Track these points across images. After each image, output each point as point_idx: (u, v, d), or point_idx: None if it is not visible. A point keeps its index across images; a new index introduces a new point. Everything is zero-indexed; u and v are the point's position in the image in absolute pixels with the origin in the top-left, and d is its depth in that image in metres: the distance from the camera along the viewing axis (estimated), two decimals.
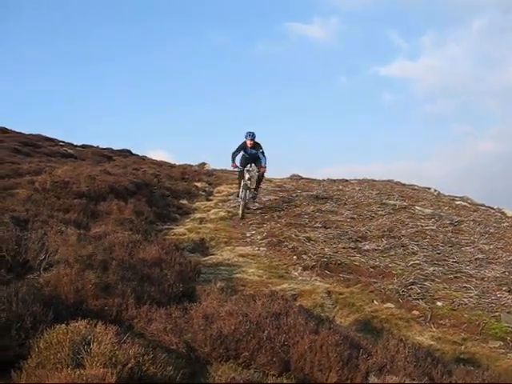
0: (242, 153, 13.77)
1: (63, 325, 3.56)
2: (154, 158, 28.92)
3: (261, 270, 8.66)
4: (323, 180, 21.94)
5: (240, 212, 13.15)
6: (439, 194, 20.61)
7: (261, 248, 10.22)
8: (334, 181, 21.80)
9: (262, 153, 13.63)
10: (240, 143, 13.65)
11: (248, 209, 13.76)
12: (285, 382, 3.62)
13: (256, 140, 13.60)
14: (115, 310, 4.45)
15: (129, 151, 29.39)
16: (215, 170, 25.71)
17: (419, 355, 4.20)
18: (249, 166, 13.74)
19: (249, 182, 13.49)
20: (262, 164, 13.59)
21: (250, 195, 13.96)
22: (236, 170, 14.04)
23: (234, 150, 13.62)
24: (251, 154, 13.72)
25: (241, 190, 13.50)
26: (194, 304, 4.76)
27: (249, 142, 13.50)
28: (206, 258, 9.09)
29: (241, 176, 13.84)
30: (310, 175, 23.19)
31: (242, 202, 13.20)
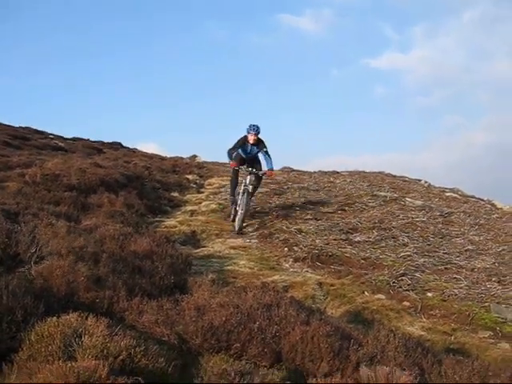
0: (239, 151, 11.47)
1: (54, 317, 3.56)
2: (144, 150, 28.86)
3: (252, 261, 8.69)
4: (314, 172, 21.97)
5: (237, 224, 10.93)
6: (430, 185, 20.71)
7: (252, 240, 10.24)
8: (325, 173, 21.86)
9: (266, 152, 11.29)
10: (239, 138, 11.36)
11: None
12: (276, 372, 3.63)
13: (260, 136, 11.37)
14: (106, 302, 4.45)
15: (119, 144, 29.29)
16: (206, 162, 25.71)
17: (409, 345, 4.23)
18: (245, 166, 11.41)
19: (251, 186, 11.07)
20: (267, 166, 11.31)
21: (251, 202, 11.65)
22: (237, 169, 11.43)
23: (230, 146, 11.32)
24: (251, 152, 11.47)
25: (240, 195, 11.29)
26: (185, 296, 4.77)
27: (251, 138, 11.25)
28: (197, 251, 9.11)
29: (236, 175, 11.83)
30: (302, 167, 23.27)
31: (240, 211, 10.97)
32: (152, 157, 24.71)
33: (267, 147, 11.34)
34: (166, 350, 3.63)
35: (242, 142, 11.35)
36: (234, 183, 11.91)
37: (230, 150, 11.28)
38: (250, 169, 11.25)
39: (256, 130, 11.22)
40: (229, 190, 12.64)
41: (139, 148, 29.69)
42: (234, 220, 11.44)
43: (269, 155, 11.27)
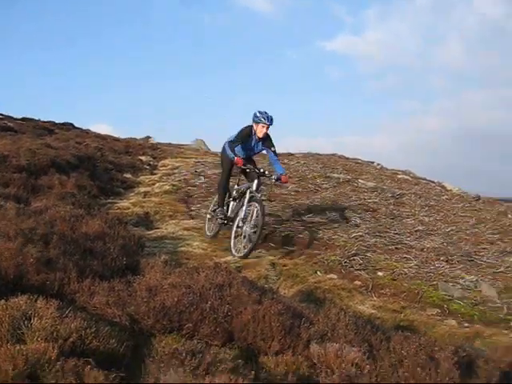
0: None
1: (2, 301, 3.50)
2: (98, 131, 28.38)
3: (205, 243, 8.70)
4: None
5: (248, 248, 8.00)
6: (382, 167, 21.02)
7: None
8: (279, 154, 21.90)
9: (275, 152, 8.74)
10: (241, 129, 8.59)
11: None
12: (228, 351, 3.66)
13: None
14: (57, 284, 4.38)
15: (71, 125, 28.62)
16: (160, 143, 25.52)
17: (359, 323, 4.31)
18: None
19: (259, 194, 8.59)
20: (278, 170, 8.63)
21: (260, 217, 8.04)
22: (244, 168, 8.58)
23: (231, 138, 8.76)
24: (255, 149, 8.85)
25: (244, 206, 8.41)
26: (137, 277, 4.74)
27: (262, 130, 8.45)
28: (150, 232, 9.06)
29: (227, 178, 9.12)
30: None
31: (246, 228, 8.25)
32: (105, 138, 24.30)
33: (275, 146, 8.78)
34: (118, 331, 3.61)
35: (247, 134, 8.59)
36: (224, 189, 9.15)
37: (231, 142, 8.70)
38: (259, 169, 8.64)
39: (270, 120, 8.45)
40: (183, 171, 12.58)
41: (92, 129, 29.18)
42: (215, 234, 9.23)
43: (277, 156, 8.85)
